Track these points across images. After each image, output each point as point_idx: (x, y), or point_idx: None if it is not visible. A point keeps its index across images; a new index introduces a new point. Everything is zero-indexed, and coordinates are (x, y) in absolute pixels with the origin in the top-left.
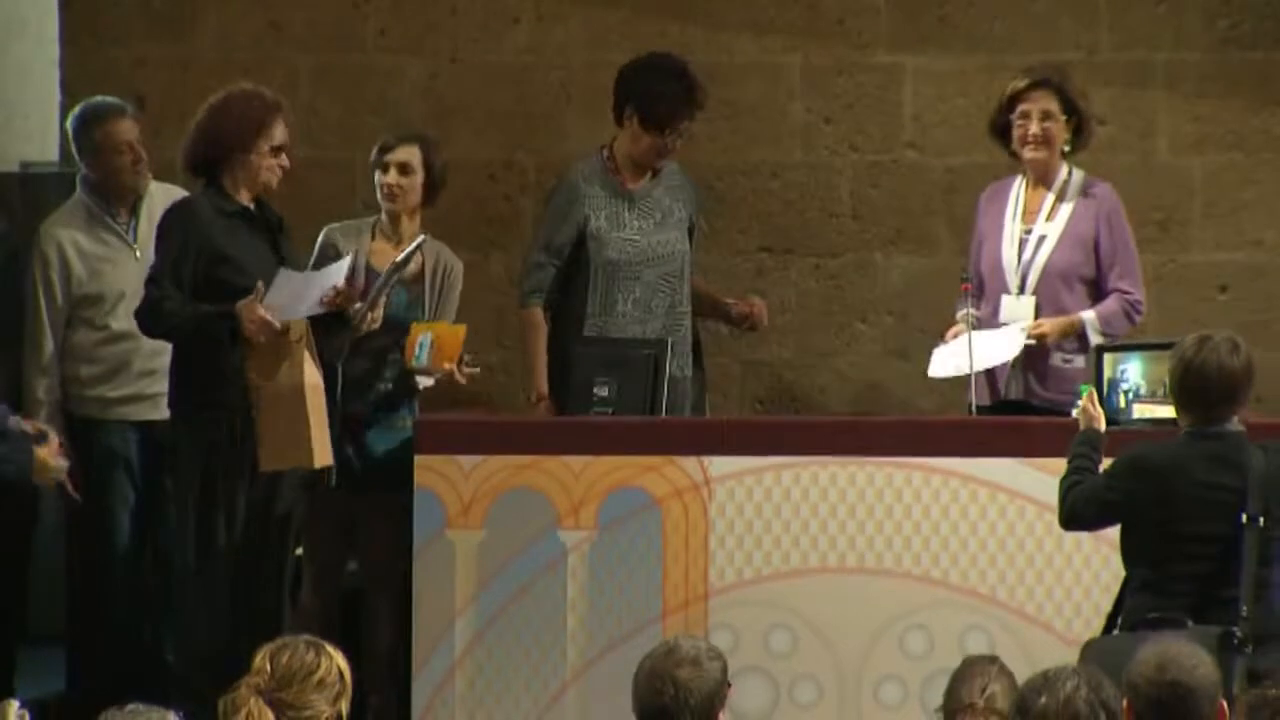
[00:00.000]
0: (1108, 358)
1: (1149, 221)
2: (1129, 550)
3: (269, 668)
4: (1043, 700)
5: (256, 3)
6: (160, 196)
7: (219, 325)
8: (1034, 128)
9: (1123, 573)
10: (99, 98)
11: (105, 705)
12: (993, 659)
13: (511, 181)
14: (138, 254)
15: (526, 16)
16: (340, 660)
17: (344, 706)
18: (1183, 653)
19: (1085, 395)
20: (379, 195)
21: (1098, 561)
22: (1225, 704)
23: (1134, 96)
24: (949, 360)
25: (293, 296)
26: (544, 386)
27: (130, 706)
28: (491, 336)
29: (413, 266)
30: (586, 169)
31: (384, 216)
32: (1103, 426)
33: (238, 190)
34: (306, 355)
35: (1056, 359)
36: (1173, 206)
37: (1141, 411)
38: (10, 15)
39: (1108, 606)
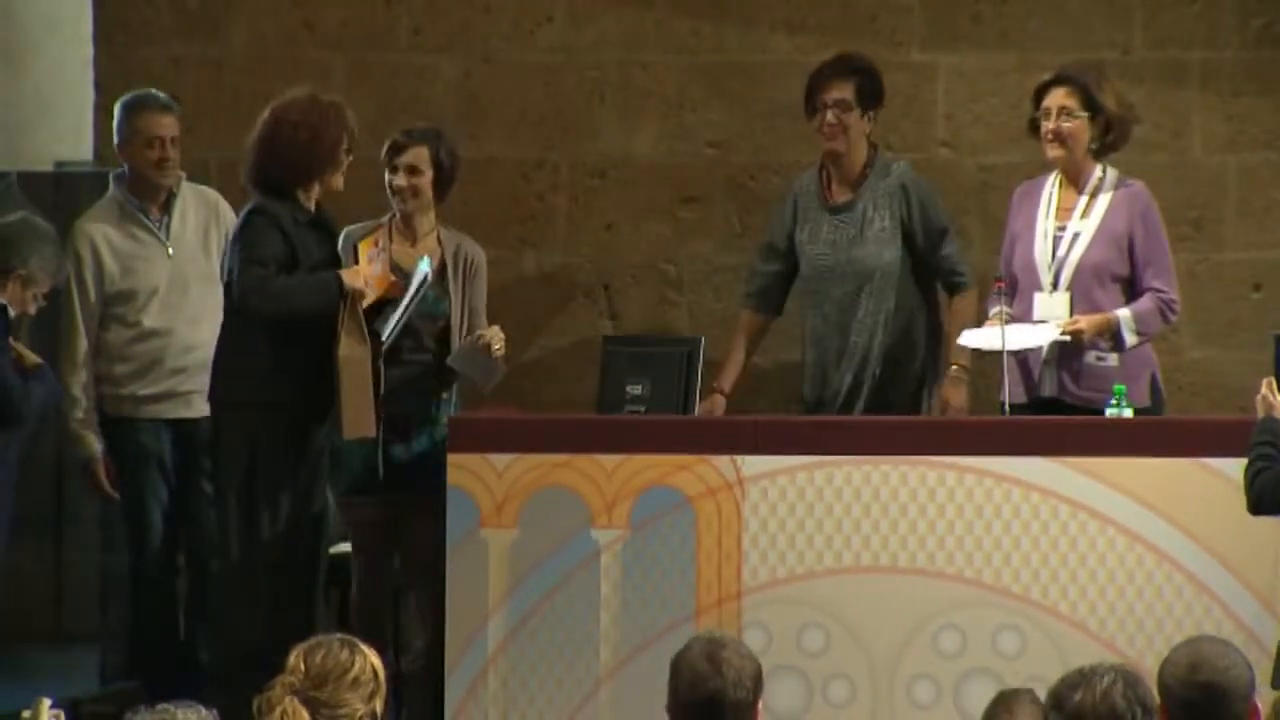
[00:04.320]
0: None
1: (1183, 220)
2: None
3: (303, 667)
4: (1079, 696)
5: (289, 2)
6: (192, 196)
7: (329, 284)
8: (1050, 124)
9: (1155, 571)
10: (148, 90)
11: (138, 704)
12: (1027, 691)
13: (544, 180)
14: (170, 251)
15: (559, 15)
16: (374, 658)
17: (378, 705)
18: (1215, 653)
19: (1265, 384)
20: (390, 195)
21: (1131, 560)
22: (1259, 704)
23: (1168, 95)
24: (981, 337)
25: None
26: (724, 382)
27: (160, 706)
28: (524, 335)
29: (433, 262)
30: (806, 179)
31: (397, 215)
32: None
33: (309, 199)
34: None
35: (1090, 357)
36: (1206, 205)
37: None
38: (44, 15)
39: (1140, 605)
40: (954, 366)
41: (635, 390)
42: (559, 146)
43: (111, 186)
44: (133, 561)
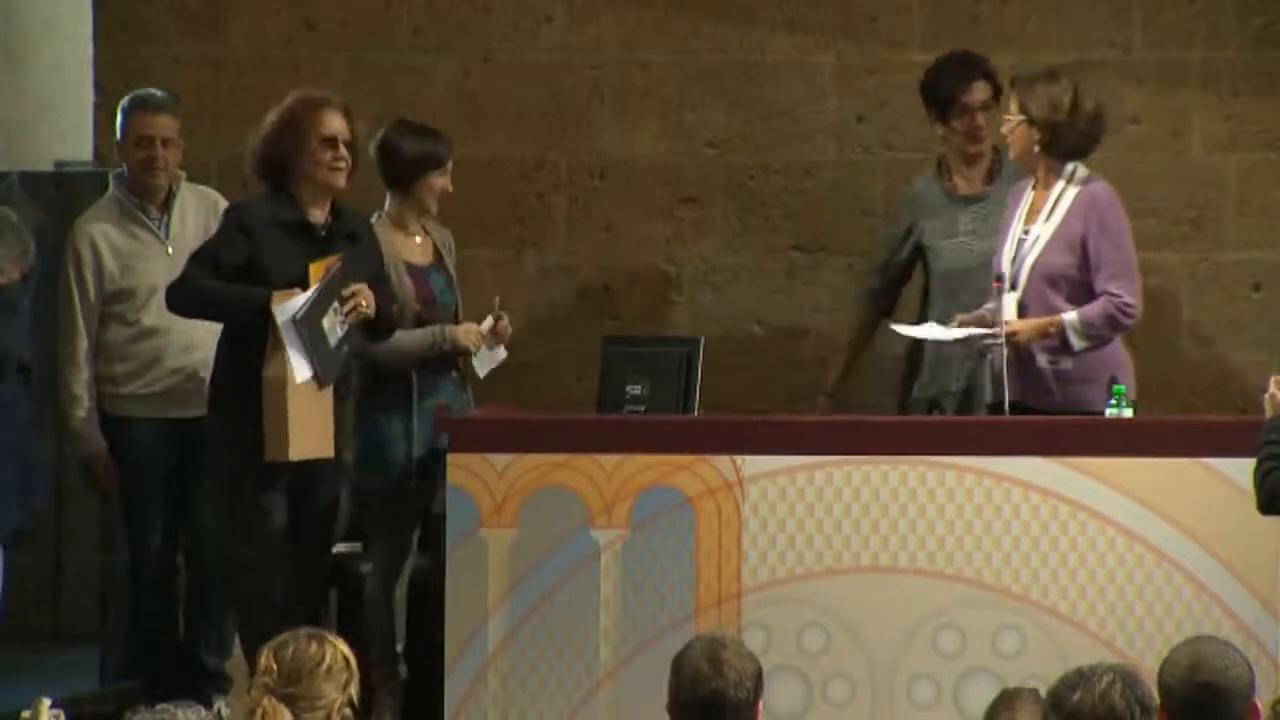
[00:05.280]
0: None
1: (1182, 220)
2: None
3: (275, 665)
4: (1078, 696)
5: (289, 1)
6: (192, 196)
7: (253, 300)
8: (1004, 128)
9: (1154, 571)
10: (149, 89)
11: (138, 704)
12: (1031, 691)
13: (544, 180)
14: (169, 250)
15: (559, 15)
16: (343, 647)
17: (354, 690)
18: (1215, 653)
19: (1273, 383)
20: (430, 200)
21: (1131, 560)
22: (1259, 704)
23: (1167, 95)
24: (921, 329)
25: (315, 338)
26: (833, 384)
27: (160, 706)
28: (524, 334)
29: (427, 256)
30: (922, 181)
31: (392, 209)
32: None
33: (306, 198)
34: None
35: (1042, 361)
36: (1206, 205)
37: None
38: (44, 14)
39: (1140, 605)
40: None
41: (635, 390)
42: (559, 146)
43: (111, 185)
44: (133, 561)
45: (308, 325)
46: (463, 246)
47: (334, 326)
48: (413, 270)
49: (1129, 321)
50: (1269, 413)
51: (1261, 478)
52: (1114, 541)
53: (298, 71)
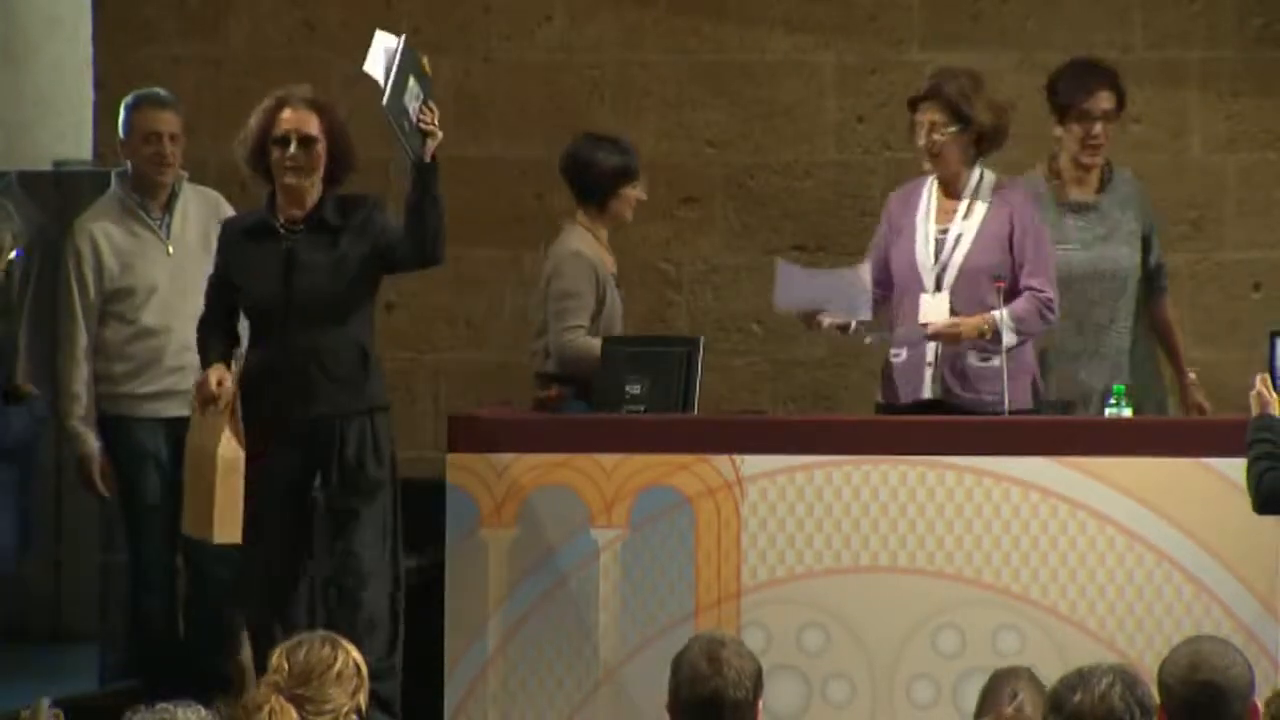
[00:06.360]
0: None
1: (1182, 220)
2: None
3: (286, 665)
4: (1077, 697)
5: (289, 2)
6: (194, 197)
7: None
8: (921, 140)
9: (1154, 571)
10: (152, 88)
11: (138, 704)
12: (1025, 670)
13: (543, 180)
14: (169, 249)
15: (559, 14)
16: (355, 654)
17: (362, 699)
18: (1215, 652)
19: (1259, 380)
20: (627, 212)
21: (1131, 560)
22: (1259, 704)
23: (1167, 95)
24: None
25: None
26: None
27: (160, 706)
28: (522, 334)
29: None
30: (1030, 179)
31: (585, 221)
32: (1277, 411)
33: (283, 199)
34: (226, 428)
35: (973, 359)
36: (1206, 205)
37: None
38: (45, 14)
39: (1140, 605)
40: (1192, 374)
41: (635, 390)
42: (559, 146)
43: (114, 183)
44: (132, 561)
45: (405, 66)
46: (463, 246)
47: (410, 107)
48: (615, 281)
49: (1053, 317)
50: (1255, 410)
51: (1257, 478)
52: (1114, 541)
53: (298, 71)
